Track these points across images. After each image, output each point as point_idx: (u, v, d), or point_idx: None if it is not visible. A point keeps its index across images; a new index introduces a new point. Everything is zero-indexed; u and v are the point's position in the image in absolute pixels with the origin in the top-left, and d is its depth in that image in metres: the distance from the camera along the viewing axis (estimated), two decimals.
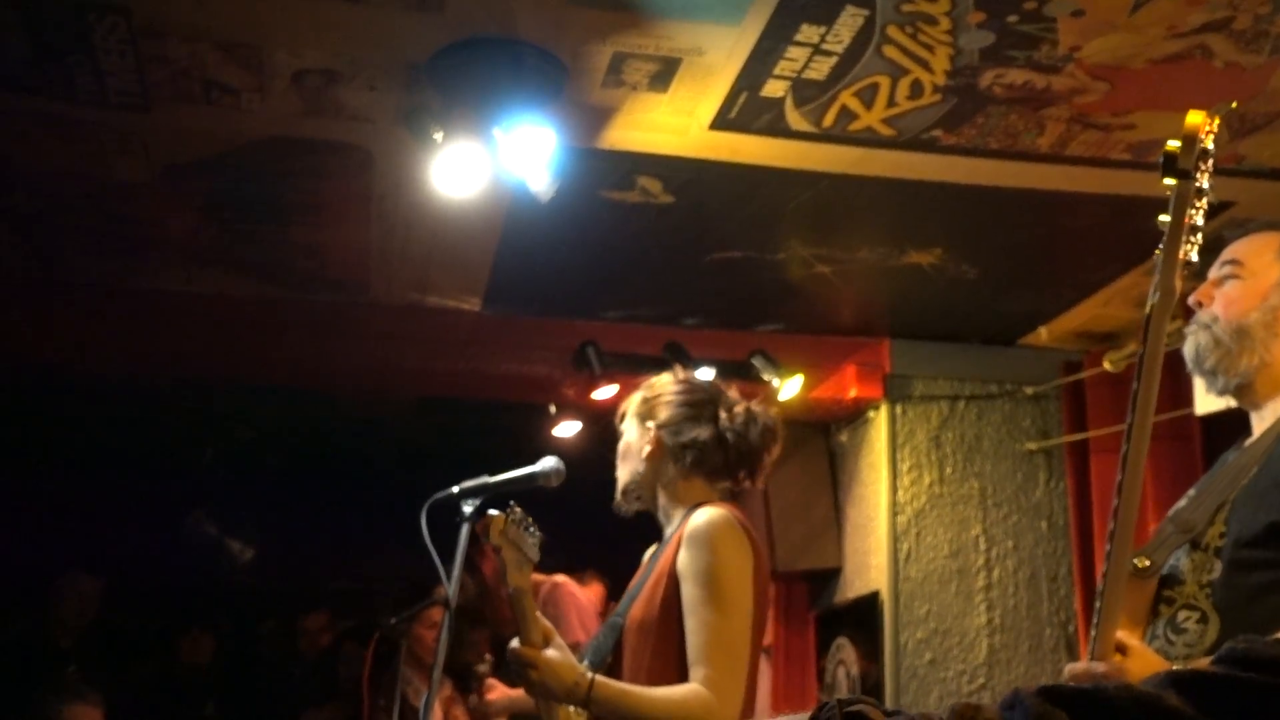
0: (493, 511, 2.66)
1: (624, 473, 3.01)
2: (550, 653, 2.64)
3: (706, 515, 2.77)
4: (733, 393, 3.03)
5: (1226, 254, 2.30)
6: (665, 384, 3.02)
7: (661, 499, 2.95)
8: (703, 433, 2.90)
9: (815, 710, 0.78)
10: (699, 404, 2.95)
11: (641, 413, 2.99)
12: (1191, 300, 2.31)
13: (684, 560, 2.74)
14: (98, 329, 5.11)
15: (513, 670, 2.70)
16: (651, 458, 2.93)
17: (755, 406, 2.98)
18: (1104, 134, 3.69)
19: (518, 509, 2.69)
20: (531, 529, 2.71)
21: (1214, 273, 2.30)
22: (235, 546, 8.03)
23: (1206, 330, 2.25)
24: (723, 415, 2.93)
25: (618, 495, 3.03)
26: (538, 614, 2.69)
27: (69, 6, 3.14)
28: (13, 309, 4.96)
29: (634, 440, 2.99)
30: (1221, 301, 2.26)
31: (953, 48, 3.25)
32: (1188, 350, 2.29)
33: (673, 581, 2.75)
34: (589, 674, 2.63)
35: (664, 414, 2.94)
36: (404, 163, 3.84)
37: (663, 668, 2.72)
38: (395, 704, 5.06)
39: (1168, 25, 3.16)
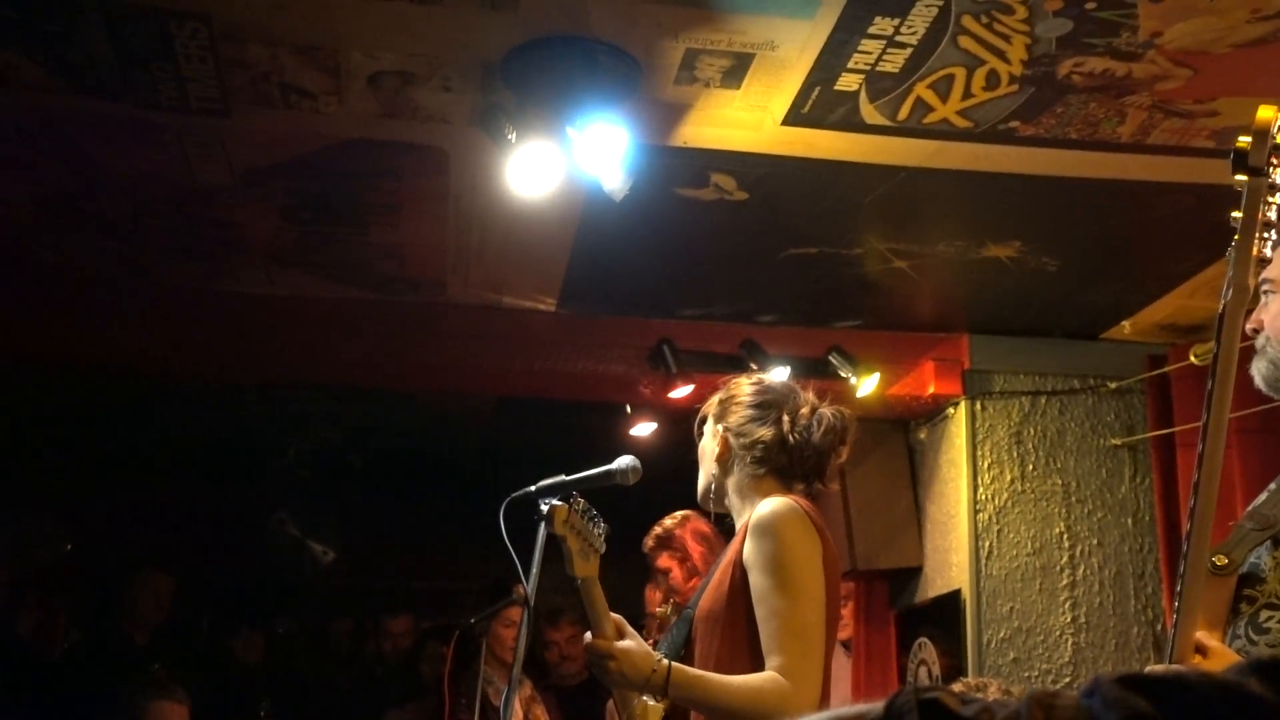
0: (555, 502, 2.69)
1: (701, 475, 3.06)
2: (625, 643, 2.65)
3: (770, 505, 2.78)
4: (808, 394, 3.03)
5: (1265, 274, 2.27)
6: (739, 385, 3.06)
7: (734, 500, 2.97)
8: (766, 433, 2.92)
9: (891, 697, 0.77)
10: (766, 405, 2.98)
11: (716, 415, 3.03)
12: (1248, 328, 2.28)
13: (750, 550, 2.74)
14: (180, 331, 5.20)
15: (590, 663, 2.72)
16: (721, 459, 2.97)
17: (824, 408, 2.98)
18: (1187, 121, 3.62)
19: (581, 499, 2.72)
20: (596, 519, 2.73)
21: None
22: (317, 548, 8.14)
23: (1264, 355, 2.26)
24: (786, 417, 2.94)
25: (698, 497, 3.07)
26: (605, 603, 2.71)
27: (151, 14, 3.20)
28: (98, 310, 5.05)
29: (708, 442, 3.03)
30: (1268, 321, 2.25)
31: (1029, 36, 3.21)
32: (1258, 380, 2.30)
33: (739, 571, 2.76)
34: (665, 661, 2.64)
35: (733, 416, 2.98)
36: (479, 163, 3.87)
37: (731, 657, 2.73)
38: (476, 703, 5.10)
39: (1251, 8, 3.10)
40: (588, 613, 2.71)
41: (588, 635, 2.70)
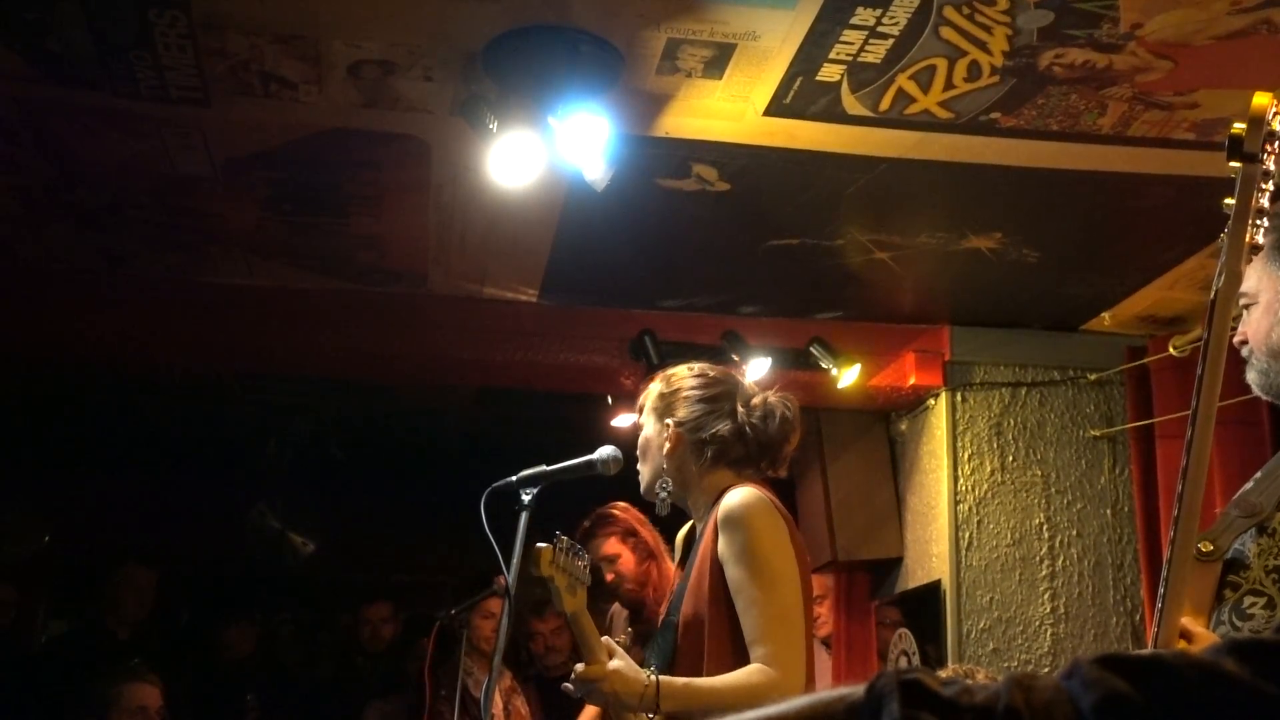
0: (540, 545, 2.71)
1: (646, 470, 3.02)
2: (615, 664, 2.66)
3: (738, 496, 2.78)
4: (749, 384, 3.05)
5: (1240, 289, 2.27)
6: (681, 378, 3.03)
7: (691, 494, 2.96)
8: (722, 427, 2.91)
9: (872, 679, 0.77)
10: (717, 398, 2.96)
11: (658, 408, 3.00)
12: (1235, 341, 2.28)
13: (723, 544, 2.75)
14: (161, 322, 5.18)
15: (583, 693, 2.74)
16: (671, 454, 2.94)
17: (773, 397, 2.98)
18: (1167, 113, 3.63)
19: (564, 538, 2.75)
20: (579, 552, 2.78)
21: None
22: (297, 540, 8.12)
23: (1252, 367, 2.27)
24: (740, 409, 2.93)
25: (642, 490, 3.05)
26: (596, 631, 2.74)
27: (129, 2, 3.18)
28: (77, 302, 5.03)
29: (653, 436, 3.00)
30: (1249, 334, 2.26)
31: (1011, 28, 3.21)
32: (1255, 389, 2.29)
33: (716, 569, 2.76)
34: (654, 676, 2.65)
35: (682, 410, 2.95)
36: (461, 153, 3.86)
37: (719, 655, 2.73)
38: (456, 694, 5.09)
39: (1231, 0, 3.11)
40: (579, 643, 2.75)
41: (579, 666, 2.72)
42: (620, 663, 2.69)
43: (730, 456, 2.91)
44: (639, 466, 3.04)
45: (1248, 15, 3.16)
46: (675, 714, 2.72)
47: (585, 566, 2.78)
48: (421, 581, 7.77)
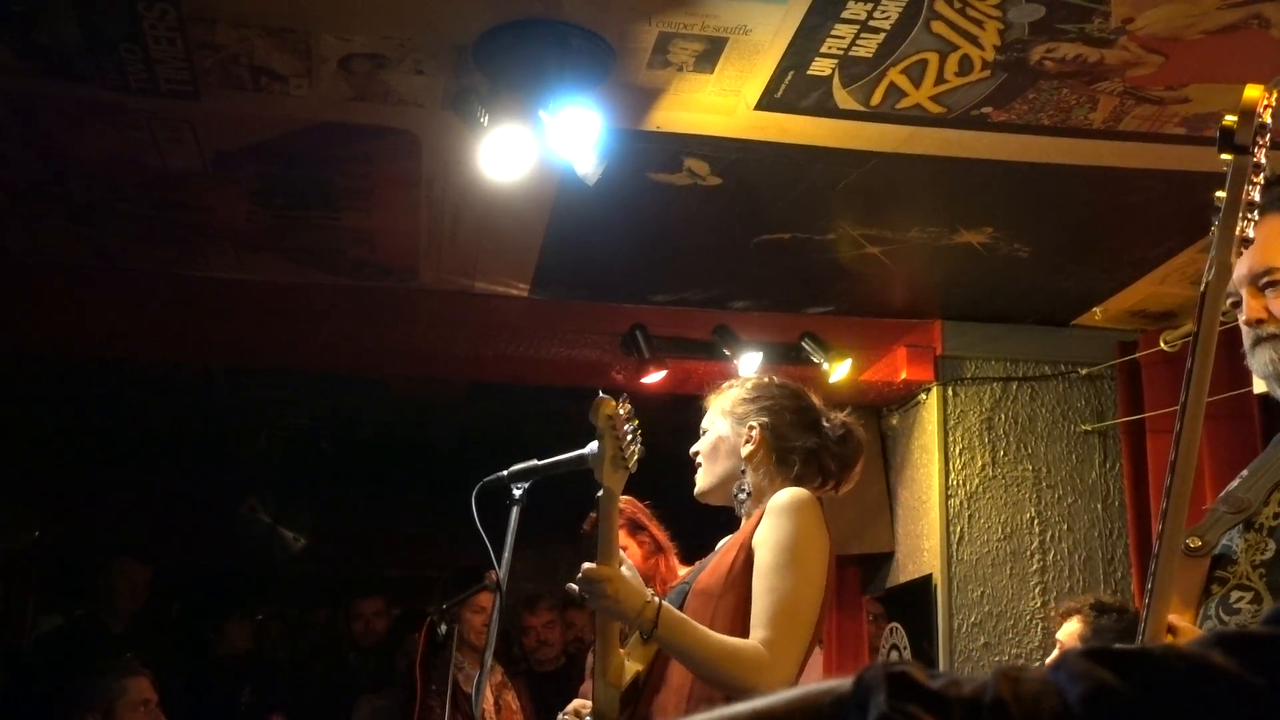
0: (604, 395, 2.64)
1: (716, 469, 2.97)
2: (624, 570, 2.64)
3: (791, 491, 2.76)
4: (818, 401, 3.03)
5: (1258, 264, 2.20)
6: (766, 385, 3.02)
7: (750, 498, 2.92)
8: (808, 440, 2.90)
9: (860, 672, 0.77)
10: (803, 410, 2.95)
11: (739, 412, 2.96)
12: (1248, 319, 2.21)
13: (763, 530, 2.72)
14: (151, 316, 5.17)
15: (583, 589, 2.66)
16: (751, 457, 2.91)
17: (848, 419, 2.99)
18: (1158, 108, 3.64)
19: (629, 405, 2.67)
20: (637, 436, 2.68)
21: (1246, 287, 2.20)
22: (288, 535, 8.12)
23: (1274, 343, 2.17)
24: (825, 425, 2.92)
25: (701, 489, 3.00)
26: (618, 531, 2.68)
27: None
28: (67, 296, 5.02)
29: (728, 435, 2.96)
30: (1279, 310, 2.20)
31: (1002, 22, 3.21)
32: (1263, 366, 2.20)
33: (745, 553, 2.74)
34: (657, 599, 2.63)
35: (769, 416, 2.92)
36: (452, 147, 3.85)
37: (726, 633, 2.71)
38: (447, 689, 5.09)
39: None
40: (600, 531, 2.66)
41: (587, 565, 2.65)
42: (629, 572, 2.66)
43: (800, 470, 2.88)
44: (702, 465, 2.99)
45: (1238, 10, 3.16)
46: (661, 644, 2.68)
47: (636, 454, 2.68)
48: (413, 576, 7.76)
